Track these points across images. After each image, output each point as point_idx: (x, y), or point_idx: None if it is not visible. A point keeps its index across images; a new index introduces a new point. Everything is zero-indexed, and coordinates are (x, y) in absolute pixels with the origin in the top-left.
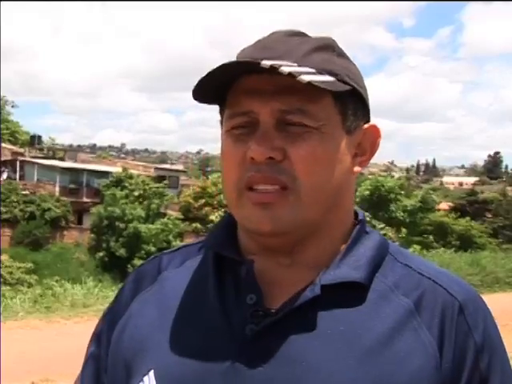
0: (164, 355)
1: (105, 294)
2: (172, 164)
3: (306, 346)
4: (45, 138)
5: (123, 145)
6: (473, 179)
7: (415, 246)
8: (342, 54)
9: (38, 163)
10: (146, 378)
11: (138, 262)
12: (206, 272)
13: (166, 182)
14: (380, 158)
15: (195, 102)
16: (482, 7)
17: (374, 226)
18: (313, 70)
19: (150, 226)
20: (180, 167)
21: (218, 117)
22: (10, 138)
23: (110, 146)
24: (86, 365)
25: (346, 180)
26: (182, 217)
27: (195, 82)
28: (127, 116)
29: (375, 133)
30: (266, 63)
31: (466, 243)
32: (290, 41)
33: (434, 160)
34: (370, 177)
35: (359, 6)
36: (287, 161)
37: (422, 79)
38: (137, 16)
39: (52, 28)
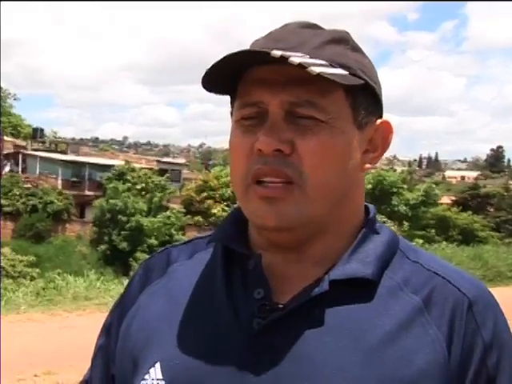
0: (171, 348)
1: (107, 287)
2: (174, 157)
3: (313, 342)
4: (47, 131)
5: (125, 138)
6: (475, 173)
7: (417, 240)
8: (356, 48)
9: (40, 156)
10: (152, 370)
11: (140, 255)
12: (215, 266)
13: (168, 175)
14: None
15: (198, 96)
16: (485, 1)
17: None
18: (325, 63)
19: (152, 219)
20: (182, 160)
21: (223, 110)
22: (13, 131)
23: (112, 140)
24: (96, 357)
25: (356, 176)
26: (184, 210)
27: (203, 73)
28: (130, 109)
29: (387, 129)
30: (277, 53)
31: (468, 237)
32: (303, 33)
33: (437, 154)
34: (372, 171)
35: (362, 1)
36: (295, 154)
37: (425, 73)
38: (139, 10)
39: (55, 21)
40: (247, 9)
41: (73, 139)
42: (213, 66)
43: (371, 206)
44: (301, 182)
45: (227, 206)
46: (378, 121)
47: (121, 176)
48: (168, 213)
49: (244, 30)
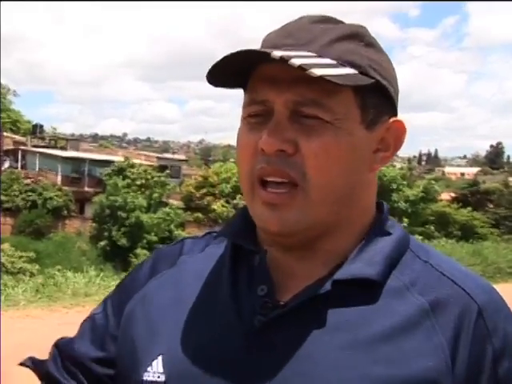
0: (174, 342)
1: (106, 283)
2: (174, 153)
3: (312, 341)
4: (47, 128)
5: (125, 134)
6: (475, 169)
7: (417, 236)
8: (370, 44)
9: (39, 152)
10: (154, 363)
11: (139, 251)
12: (223, 261)
13: (167, 171)
14: None
15: (198, 92)
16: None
17: None
18: (332, 62)
19: (152, 215)
20: (182, 157)
21: (223, 106)
22: (12, 127)
23: (111, 136)
24: (85, 322)
25: (364, 177)
26: (183, 206)
27: (205, 69)
28: (130, 105)
29: (400, 128)
30: (277, 54)
31: (467, 233)
32: (315, 28)
33: (436, 150)
34: None
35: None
36: (298, 154)
37: (426, 69)
38: (140, 6)
39: (56, 17)
40: (249, 6)
41: (72, 135)
42: (213, 65)
43: (385, 205)
44: (304, 184)
45: (227, 202)
46: (391, 120)
47: (120, 172)
48: (168, 209)
49: (244, 27)
